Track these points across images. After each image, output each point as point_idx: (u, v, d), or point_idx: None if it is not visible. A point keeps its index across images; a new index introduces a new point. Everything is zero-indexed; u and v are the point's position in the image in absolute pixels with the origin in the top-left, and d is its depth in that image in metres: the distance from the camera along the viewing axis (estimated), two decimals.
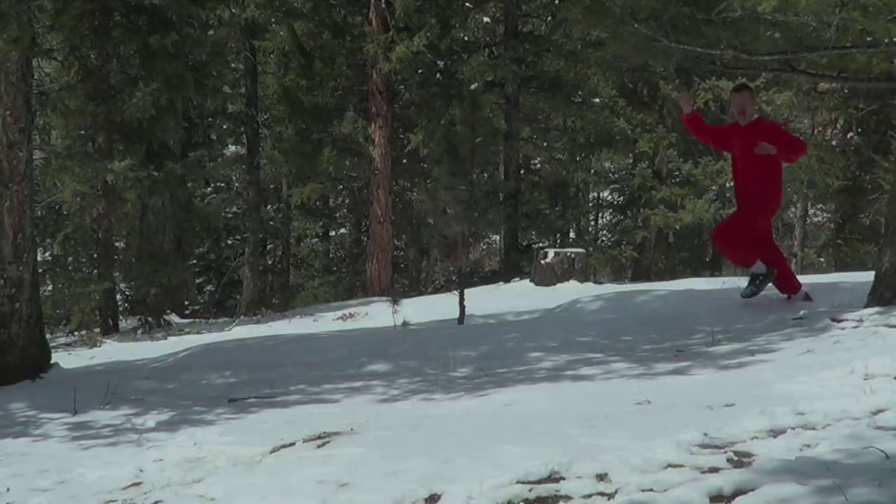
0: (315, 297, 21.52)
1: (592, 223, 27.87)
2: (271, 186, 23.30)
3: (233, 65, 19.55)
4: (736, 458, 2.98)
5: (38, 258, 9.23)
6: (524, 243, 22.45)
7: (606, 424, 3.56)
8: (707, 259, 25.12)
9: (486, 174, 20.37)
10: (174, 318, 16.01)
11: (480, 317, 10.15)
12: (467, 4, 18.80)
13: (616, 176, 25.89)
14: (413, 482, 2.92)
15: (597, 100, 20.50)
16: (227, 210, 22.86)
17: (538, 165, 26.36)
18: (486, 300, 12.02)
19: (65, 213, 13.75)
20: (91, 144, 14.08)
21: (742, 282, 8.34)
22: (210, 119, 20.22)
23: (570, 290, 12.91)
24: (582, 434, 3.38)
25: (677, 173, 20.00)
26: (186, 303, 21.02)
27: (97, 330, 14.14)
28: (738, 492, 2.58)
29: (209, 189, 22.78)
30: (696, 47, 6.85)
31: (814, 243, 26.20)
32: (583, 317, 8.77)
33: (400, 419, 4.22)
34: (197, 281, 23.13)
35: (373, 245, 17.89)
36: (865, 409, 3.50)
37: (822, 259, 24.29)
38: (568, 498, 2.74)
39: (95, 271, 15.54)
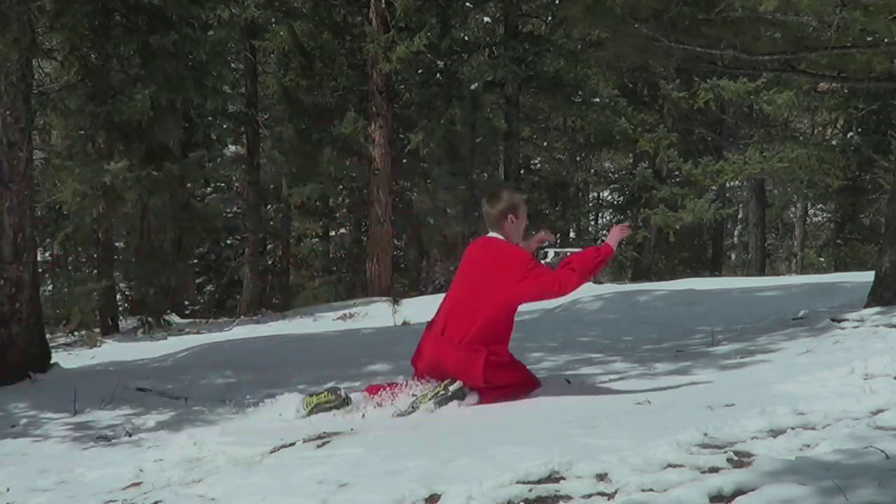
0: (315, 297, 21.50)
1: (592, 223, 27.88)
2: (271, 186, 23.27)
3: (233, 65, 19.53)
4: (736, 458, 2.97)
5: (38, 258, 9.23)
6: None
7: (606, 424, 3.55)
8: (707, 259, 25.13)
9: (486, 174, 20.34)
10: (174, 318, 16.01)
11: None
12: (467, 4, 18.80)
13: (616, 176, 25.91)
14: (413, 482, 2.92)
15: (597, 100, 20.48)
16: (227, 210, 22.85)
17: (538, 165, 26.36)
18: None
19: (65, 213, 13.74)
20: (91, 144, 14.07)
21: (742, 282, 8.33)
22: (210, 119, 20.19)
23: None
24: (582, 434, 3.37)
25: (677, 173, 20.01)
26: (186, 303, 21.01)
27: (97, 330, 14.14)
28: (738, 492, 2.57)
29: (209, 189, 22.77)
30: (696, 47, 6.85)
31: (814, 243, 26.23)
32: (583, 317, 8.78)
33: (400, 419, 4.22)
34: (197, 281, 23.12)
35: (373, 245, 17.89)
36: (865, 409, 3.49)
37: (822, 259, 24.32)
38: (568, 498, 2.73)
39: (95, 271, 15.54)
